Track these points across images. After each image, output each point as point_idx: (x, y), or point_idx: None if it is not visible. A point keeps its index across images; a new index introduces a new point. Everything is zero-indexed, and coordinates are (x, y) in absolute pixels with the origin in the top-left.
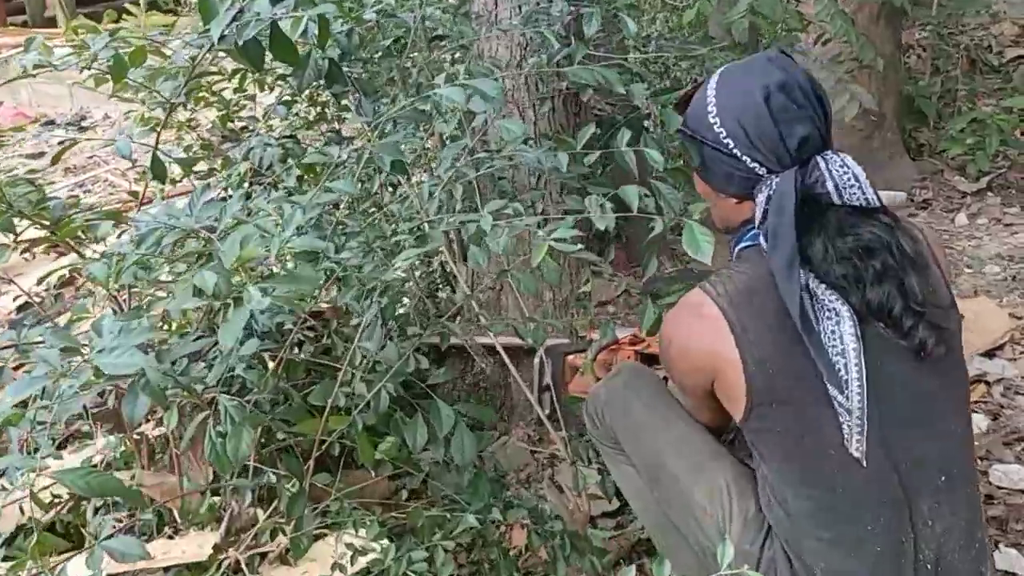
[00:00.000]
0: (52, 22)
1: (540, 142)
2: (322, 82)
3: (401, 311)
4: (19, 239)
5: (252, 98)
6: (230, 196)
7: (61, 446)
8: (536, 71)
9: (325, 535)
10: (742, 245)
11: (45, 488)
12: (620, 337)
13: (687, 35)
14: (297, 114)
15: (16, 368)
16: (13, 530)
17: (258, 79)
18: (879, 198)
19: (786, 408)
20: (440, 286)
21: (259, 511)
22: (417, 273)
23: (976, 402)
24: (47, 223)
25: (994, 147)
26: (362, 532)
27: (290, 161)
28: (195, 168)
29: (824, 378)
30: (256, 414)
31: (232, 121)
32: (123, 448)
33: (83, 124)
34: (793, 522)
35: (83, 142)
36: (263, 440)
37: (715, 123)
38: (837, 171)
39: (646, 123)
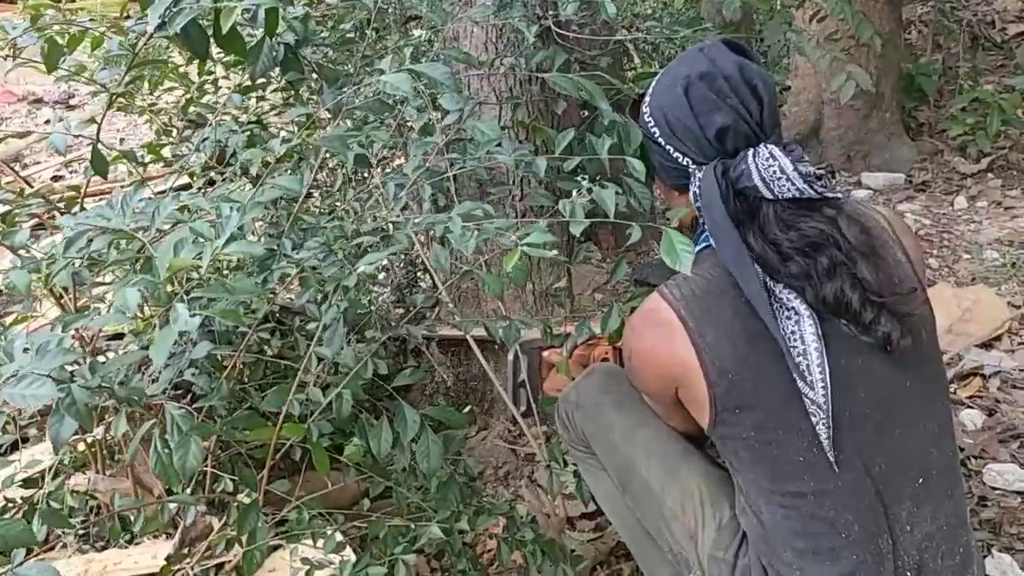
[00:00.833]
0: None
1: (517, 132)
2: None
3: (362, 311)
4: None
5: (216, 82)
6: (191, 186)
7: (14, 447)
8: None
9: (282, 546)
10: (699, 247)
11: None
12: (598, 332)
13: (678, 14)
14: (263, 98)
15: None
16: None
17: (223, 61)
18: (818, 188)
19: (751, 414)
20: (420, 276)
21: (215, 520)
22: (397, 263)
23: (971, 397)
24: None
25: (995, 127)
26: (320, 543)
27: (254, 150)
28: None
29: (793, 373)
30: (204, 423)
31: (195, 105)
32: (74, 452)
33: (71, 103)
34: (768, 532)
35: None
36: (220, 444)
37: (646, 112)
38: (763, 164)
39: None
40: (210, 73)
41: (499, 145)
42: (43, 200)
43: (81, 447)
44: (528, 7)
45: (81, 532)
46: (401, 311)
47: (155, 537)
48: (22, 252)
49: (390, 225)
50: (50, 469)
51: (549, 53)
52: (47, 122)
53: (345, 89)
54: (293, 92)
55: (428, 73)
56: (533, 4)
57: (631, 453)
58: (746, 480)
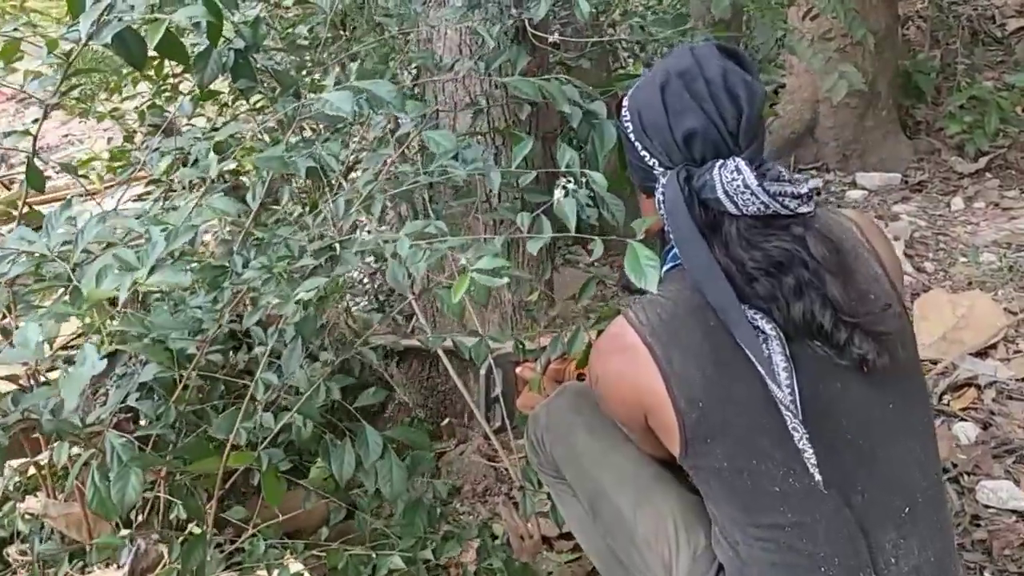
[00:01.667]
0: None
1: (493, 138)
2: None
3: (318, 329)
4: None
5: (176, 87)
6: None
7: None
8: (478, 71)
9: None
10: (667, 266)
11: None
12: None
13: (664, 12)
14: (226, 104)
15: None
16: None
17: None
18: (788, 203)
19: (723, 443)
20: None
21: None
22: (371, 270)
23: (965, 409)
24: None
25: (994, 126)
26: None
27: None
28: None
29: (773, 392)
30: (145, 454)
31: (151, 113)
32: (21, 477)
33: (60, 102)
34: (744, 564)
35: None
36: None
37: (624, 106)
38: (727, 177)
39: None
40: (174, 76)
41: (456, 156)
42: None
43: (32, 471)
44: (502, 8)
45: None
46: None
47: (107, 565)
48: None
49: (337, 245)
50: None
51: (512, 54)
52: (35, 121)
53: (301, 100)
54: (244, 100)
55: (373, 91)
56: (507, 5)
57: (602, 478)
58: (720, 511)
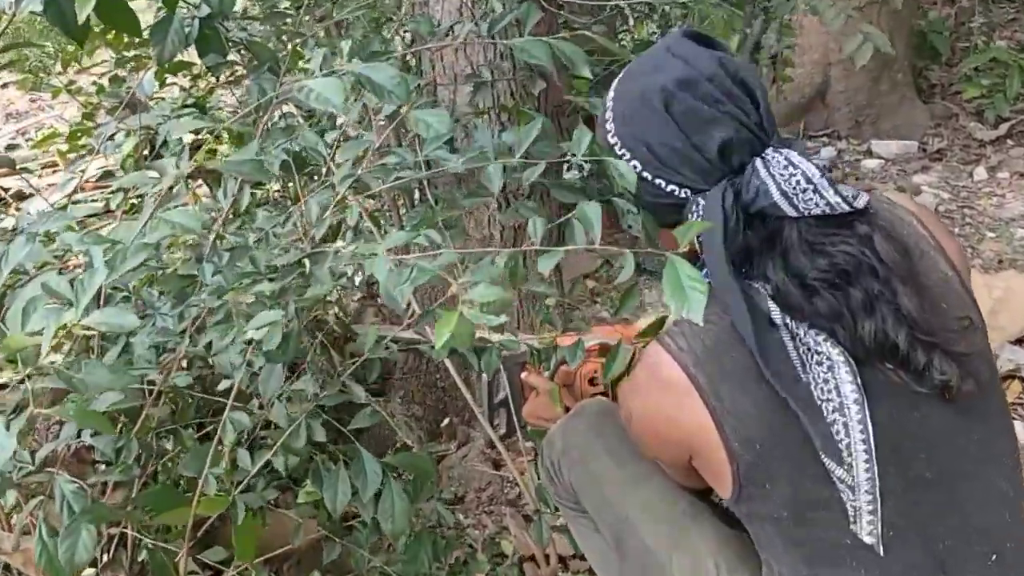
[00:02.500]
0: None
1: (499, 115)
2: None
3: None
4: None
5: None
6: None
7: None
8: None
9: None
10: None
11: None
12: (587, 344)
13: None
14: (199, 76)
15: None
16: None
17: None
18: (848, 198)
19: (782, 488)
20: None
21: None
22: None
23: (1011, 405)
24: None
25: (1015, 89)
26: None
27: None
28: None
29: (818, 448)
30: (99, 506)
31: (106, 93)
32: None
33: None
34: None
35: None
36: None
37: (616, 144)
38: (781, 174)
39: None
40: (135, 46)
41: (450, 142)
42: None
43: None
44: None
45: None
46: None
47: None
48: None
49: (307, 260)
50: None
51: (522, 10)
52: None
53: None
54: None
55: (372, 77)
56: None
57: (629, 513)
58: (779, 561)
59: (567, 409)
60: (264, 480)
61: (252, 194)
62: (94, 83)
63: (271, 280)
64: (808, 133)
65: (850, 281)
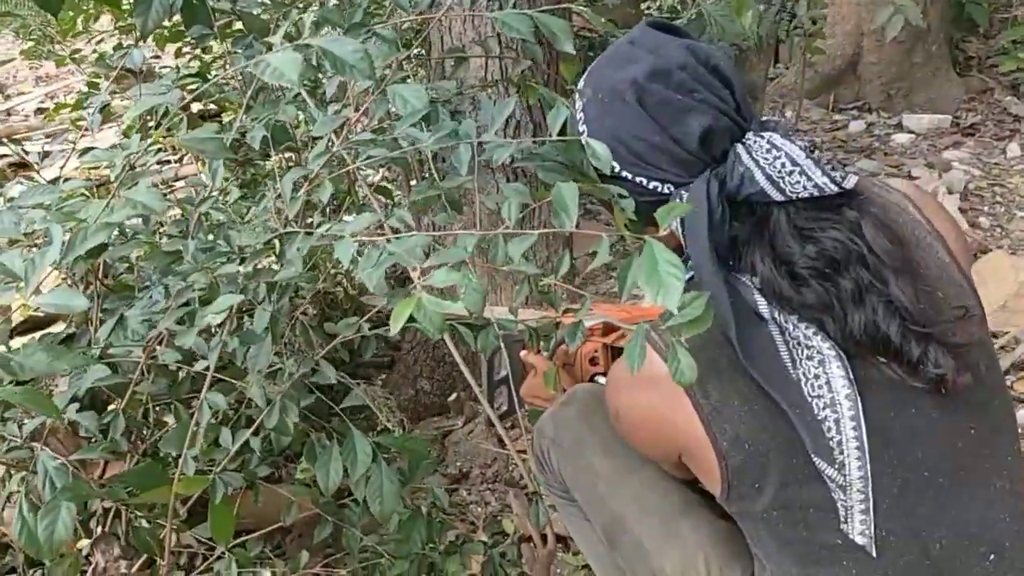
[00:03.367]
0: None
1: (507, 89)
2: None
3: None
4: None
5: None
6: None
7: None
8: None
9: None
10: (687, 275)
11: None
12: (588, 324)
13: None
14: (204, 49)
15: None
16: None
17: None
18: (836, 178)
19: (773, 488)
20: None
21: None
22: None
23: None
24: None
25: None
26: None
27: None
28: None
29: (808, 447)
30: (79, 483)
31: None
32: None
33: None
34: None
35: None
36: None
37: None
38: (765, 159)
39: None
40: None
41: (426, 118)
42: None
43: None
44: None
45: None
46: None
47: None
48: None
49: (277, 241)
50: None
51: None
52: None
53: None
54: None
55: (334, 51)
56: None
57: (619, 505)
58: (770, 560)
59: (565, 390)
60: (258, 457)
61: (249, 171)
62: (93, 51)
63: (242, 261)
64: (838, 106)
65: (839, 271)
